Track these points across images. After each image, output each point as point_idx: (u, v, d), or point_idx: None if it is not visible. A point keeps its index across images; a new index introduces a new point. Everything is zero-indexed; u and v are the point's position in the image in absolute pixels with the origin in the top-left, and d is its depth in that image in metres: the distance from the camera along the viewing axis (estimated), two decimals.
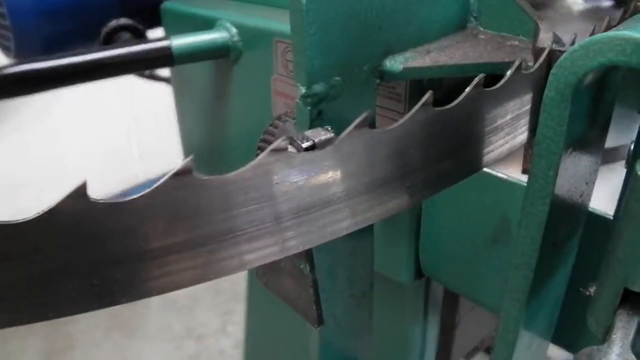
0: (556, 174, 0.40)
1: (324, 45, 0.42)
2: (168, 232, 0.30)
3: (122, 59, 0.72)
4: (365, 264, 0.53)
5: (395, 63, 0.47)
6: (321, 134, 0.34)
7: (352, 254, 0.51)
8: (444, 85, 0.57)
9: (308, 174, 0.33)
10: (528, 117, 0.44)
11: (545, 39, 0.45)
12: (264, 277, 0.51)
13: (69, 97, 2.33)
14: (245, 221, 0.32)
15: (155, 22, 0.90)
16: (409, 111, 0.46)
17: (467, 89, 0.37)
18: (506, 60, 0.49)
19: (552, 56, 0.43)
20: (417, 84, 0.56)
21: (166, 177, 0.28)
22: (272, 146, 0.31)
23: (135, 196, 0.28)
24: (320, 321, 0.47)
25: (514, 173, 0.53)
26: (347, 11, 0.42)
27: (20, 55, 0.87)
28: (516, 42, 0.52)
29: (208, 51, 0.75)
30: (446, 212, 0.61)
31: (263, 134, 0.56)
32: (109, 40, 0.84)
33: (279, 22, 0.69)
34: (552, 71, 0.38)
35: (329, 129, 0.35)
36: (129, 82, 0.88)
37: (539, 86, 0.42)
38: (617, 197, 0.47)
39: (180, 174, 0.29)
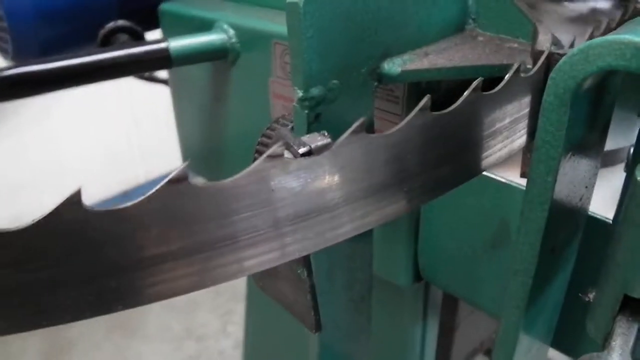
0: (555, 179, 0.39)
1: (321, 48, 0.41)
2: (163, 239, 0.30)
3: (119, 61, 0.72)
4: (363, 268, 0.52)
5: (393, 66, 0.47)
6: (318, 140, 0.34)
7: (350, 258, 0.51)
8: (443, 88, 0.56)
9: (305, 180, 0.33)
10: (527, 120, 0.43)
11: (544, 41, 0.45)
12: (261, 281, 0.51)
13: (68, 99, 2.33)
14: (242, 228, 0.32)
15: (153, 24, 0.90)
16: (407, 113, 0.46)
17: (466, 93, 0.37)
18: (505, 62, 0.48)
19: (551, 59, 0.42)
20: (415, 86, 0.56)
21: (161, 184, 0.28)
22: (268, 152, 0.31)
23: (129, 204, 0.28)
24: (318, 327, 0.47)
25: (513, 176, 0.53)
26: (344, 14, 0.42)
27: (18, 57, 0.87)
28: (515, 45, 0.52)
29: (206, 53, 0.75)
30: (445, 216, 0.60)
31: (261, 137, 0.55)
32: (107, 42, 0.84)
33: (277, 24, 0.68)
34: (551, 75, 0.37)
35: (326, 134, 0.35)
36: (129, 84, 0.88)
37: (537, 89, 0.42)
38: (616, 200, 0.46)
39: (175, 182, 0.28)
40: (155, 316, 2.36)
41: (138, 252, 0.29)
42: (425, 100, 0.35)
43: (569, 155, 0.40)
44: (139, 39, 0.85)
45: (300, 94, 0.42)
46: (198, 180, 0.29)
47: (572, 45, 0.44)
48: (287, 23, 0.41)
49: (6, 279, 0.27)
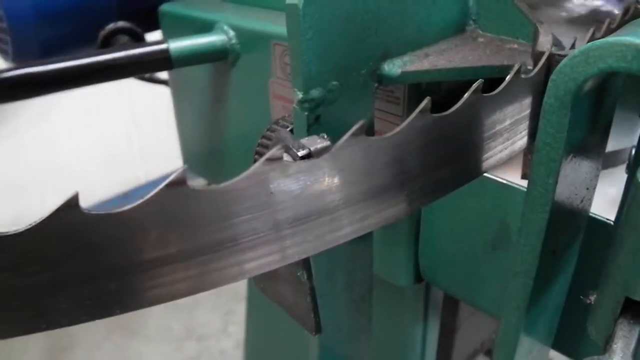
0: (556, 181, 0.39)
1: (321, 49, 0.41)
2: (162, 242, 0.29)
3: (120, 62, 0.71)
4: (364, 269, 0.52)
5: (393, 67, 0.47)
6: (317, 142, 0.33)
7: (351, 259, 0.51)
8: (443, 89, 0.56)
9: (304, 183, 0.33)
10: (527, 121, 0.43)
11: (544, 42, 0.45)
12: (261, 283, 0.50)
13: (68, 100, 2.33)
14: (241, 231, 0.31)
15: (153, 25, 0.90)
16: (408, 114, 0.45)
17: (466, 95, 0.37)
18: (505, 63, 0.48)
19: (552, 60, 0.42)
20: (415, 87, 0.56)
21: (159, 187, 0.28)
22: (267, 155, 0.31)
23: (127, 207, 0.28)
24: (318, 329, 0.47)
25: (514, 178, 0.53)
26: (343, 15, 0.42)
27: (18, 59, 0.87)
28: (515, 46, 0.51)
29: (206, 54, 0.75)
30: (445, 217, 0.60)
31: (261, 139, 0.55)
32: (107, 44, 0.84)
33: (277, 25, 0.68)
34: (551, 77, 0.37)
35: (325, 136, 0.35)
36: (129, 85, 0.88)
37: (538, 90, 0.42)
38: (617, 201, 0.46)
39: (173, 185, 0.28)
40: (155, 316, 2.36)
41: (136, 256, 0.29)
42: (426, 102, 0.35)
43: (570, 157, 0.40)
44: (139, 40, 0.85)
45: (300, 95, 0.42)
46: (196, 184, 0.29)
47: (573, 47, 0.44)
48: (287, 25, 0.40)
49: (4, 283, 0.27)
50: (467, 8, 0.54)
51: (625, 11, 0.50)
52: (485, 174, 0.53)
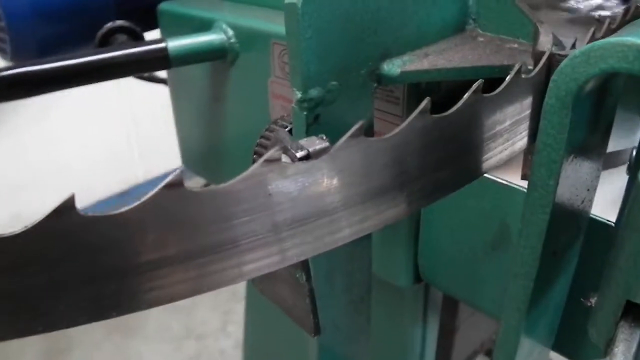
0: (557, 183, 0.39)
1: (320, 49, 0.41)
2: (159, 245, 0.29)
3: (118, 61, 0.71)
4: (363, 270, 0.52)
5: (392, 67, 0.47)
6: (316, 143, 0.33)
7: (349, 260, 0.51)
8: (443, 88, 0.56)
9: (303, 184, 0.32)
10: (528, 122, 0.43)
11: (545, 42, 0.44)
12: (260, 284, 0.50)
13: (67, 99, 2.33)
14: (239, 233, 0.31)
15: (152, 24, 0.89)
16: (407, 114, 0.45)
17: (466, 95, 0.37)
18: (505, 63, 0.48)
19: (552, 60, 0.42)
20: (415, 87, 0.55)
21: (156, 189, 0.28)
22: (265, 156, 0.31)
23: (124, 209, 0.27)
24: (317, 330, 0.46)
25: (514, 178, 0.53)
26: (343, 14, 0.42)
27: (17, 57, 0.87)
28: (515, 45, 0.51)
29: (205, 53, 0.74)
30: (445, 218, 0.60)
31: (260, 138, 0.55)
32: (105, 43, 0.83)
33: (276, 24, 0.68)
34: (552, 78, 0.37)
35: (324, 137, 0.34)
36: (128, 83, 0.88)
37: (538, 91, 0.42)
38: (618, 202, 0.46)
39: (170, 187, 0.28)
40: (155, 316, 2.36)
41: (134, 258, 0.29)
42: (425, 102, 0.35)
43: (570, 158, 0.40)
44: (138, 39, 0.85)
45: (298, 95, 0.41)
46: (195, 183, 0.29)
47: (573, 46, 0.44)
48: (286, 24, 0.40)
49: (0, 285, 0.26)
50: (466, 7, 0.54)
51: (626, 11, 0.49)
52: (485, 175, 0.53)
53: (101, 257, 0.28)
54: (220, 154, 0.89)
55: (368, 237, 0.50)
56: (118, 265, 0.29)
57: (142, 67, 0.74)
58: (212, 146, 0.90)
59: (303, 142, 0.34)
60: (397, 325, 0.84)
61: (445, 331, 0.89)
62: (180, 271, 0.30)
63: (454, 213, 0.59)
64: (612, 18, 0.46)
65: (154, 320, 2.35)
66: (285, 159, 0.33)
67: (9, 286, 0.26)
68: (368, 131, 0.48)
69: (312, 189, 0.33)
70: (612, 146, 0.51)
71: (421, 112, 0.35)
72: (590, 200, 0.48)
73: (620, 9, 0.62)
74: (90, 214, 0.27)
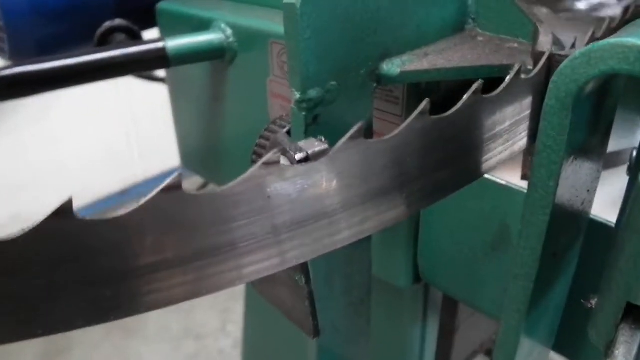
0: (557, 184, 0.39)
1: (319, 49, 0.41)
2: (157, 248, 0.29)
3: (116, 61, 0.71)
4: (362, 272, 0.52)
5: (392, 67, 0.47)
6: (315, 145, 0.33)
7: (349, 263, 0.51)
8: (442, 88, 0.56)
9: (302, 187, 0.32)
10: (527, 122, 0.43)
11: (545, 42, 0.44)
12: (259, 286, 0.50)
13: (66, 98, 2.33)
14: (237, 236, 0.31)
15: (150, 23, 0.89)
16: (407, 114, 0.45)
17: (465, 96, 0.37)
18: (505, 63, 0.48)
19: (552, 60, 0.42)
20: (414, 87, 0.55)
21: (154, 192, 0.28)
22: (263, 159, 0.30)
23: (122, 212, 0.27)
24: (316, 332, 0.46)
25: (513, 179, 0.52)
26: (342, 14, 0.42)
27: (15, 57, 0.86)
28: (515, 45, 0.51)
29: (203, 52, 0.74)
30: (444, 218, 0.60)
31: (259, 139, 0.55)
32: (104, 42, 0.83)
33: (274, 23, 0.68)
34: (552, 79, 0.37)
35: (323, 139, 0.34)
36: (127, 82, 0.88)
37: (538, 91, 0.41)
38: (617, 202, 0.46)
39: (168, 190, 0.28)
40: (154, 316, 2.35)
41: (132, 261, 0.29)
42: (425, 104, 0.35)
43: (570, 159, 0.40)
44: (136, 39, 0.85)
45: (297, 95, 0.41)
46: (193, 183, 0.29)
47: (573, 46, 0.43)
48: (284, 24, 0.40)
49: None
50: (466, 7, 0.53)
51: (626, 10, 0.49)
52: (484, 175, 0.53)
53: (99, 260, 0.28)
54: (219, 154, 0.89)
55: (368, 239, 0.50)
56: (116, 269, 0.28)
57: (141, 66, 0.74)
58: (211, 145, 0.90)
59: (302, 144, 0.33)
60: (396, 326, 0.83)
61: (445, 331, 0.88)
62: (179, 274, 0.30)
63: (453, 213, 0.59)
64: (612, 18, 0.46)
65: (153, 320, 2.35)
66: (284, 161, 0.32)
67: (7, 290, 0.26)
68: (367, 131, 0.47)
69: (311, 191, 0.33)
70: (612, 146, 0.50)
71: (421, 113, 0.35)
72: (590, 201, 0.48)
73: (619, 9, 0.62)
74: (88, 217, 0.27)
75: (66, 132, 2.83)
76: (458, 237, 0.60)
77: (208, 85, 0.84)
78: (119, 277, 0.29)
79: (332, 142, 0.34)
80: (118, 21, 0.83)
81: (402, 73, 0.47)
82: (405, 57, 0.48)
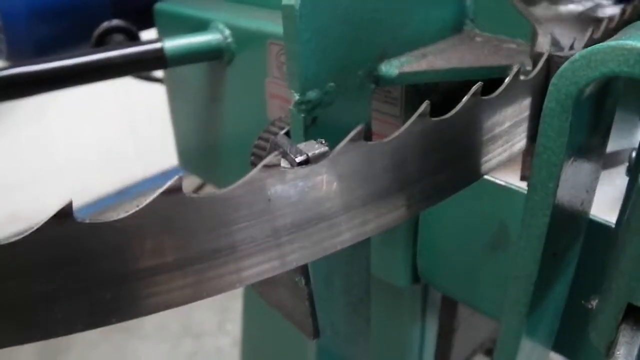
0: (557, 185, 0.39)
1: (318, 51, 0.41)
2: (158, 251, 0.29)
3: (114, 61, 0.71)
4: (361, 271, 0.52)
5: (390, 68, 0.47)
6: (315, 148, 0.33)
7: (348, 263, 0.51)
8: (441, 89, 0.56)
9: (302, 189, 0.32)
10: (527, 123, 0.43)
11: (543, 43, 0.44)
12: (259, 287, 0.50)
13: (64, 98, 2.32)
14: (238, 239, 0.31)
15: (148, 24, 0.89)
16: (405, 115, 0.45)
17: (465, 98, 0.37)
18: (503, 64, 0.48)
19: (551, 61, 0.42)
20: (413, 88, 0.55)
21: (155, 195, 0.27)
22: (264, 161, 0.30)
23: (123, 215, 0.27)
24: (316, 334, 0.46)
25: (513, 179, 0.53)
26: (341, 15, 0.41)
27: (12, 57, 0.86)
28: (513, 45, 0.51)
29: (201, 53, 0.74)
30: (444, 218, 0.60)
31: (257, 140, 0.55)
32: (101, 42, 0.83)
33: (273, 24, 0.68)
34: (552, 81, 0.37)
35: (323, 142, 0.34)
36: (125, 82, 0.88)
37: (537, 92, 0.41)
38: (616, 201, 0.46)
39: (169, 192, 0.28)
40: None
41: (132, 264, 0.29)
42: (425, 106, 0.35)
43: (570, 160, 0.40)
44: (134, 39, 0.85)
45: (296, 97, 0.41)
46: (190, 184, 0.29)
47: (572, 47, 0.43)
48: (283, 26, 0.40)
49: None
50: (464, 8, 0.53)
51: (624, 10, 0.49)
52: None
53: (99, 264, 0.28)
54: (217, 154, 0.89)
55: (367, 239, 0.50)
56: (116, 272, 0.28)
57: (139, 67, 0.74)
58: (209, 146, 0.90)
59: (302, 146, 0.33)
60: (395, 326, 0.83)
61: (444, 331, 0.88)
62: (179, 277, 0.30)
63: (452, 213, 0.59)
64: (610, 19, 0.46)
65: (152, 319, 2.34)
66: (284, 163, 0.32)
67: (6, 294, 0.26)
68: (366, 133, 0.47)
69: (311, 194, 0.33)
70: (611, 147, 0.50)
71: (420, 116, 0.35)
72: (590, 202, 0.48)
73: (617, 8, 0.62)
74: (87, 220, 0.27)
75: (63, 132, 2.83)
76: (457, 237, 0.60)
77: (206, 85, 0.84)
78: (119, 280, 0.29)
79: (331, 144, 0.34)
80: (116, 22, 0.83)
81: (401, 74, 0.47)
82: (403, 58, 0.48)
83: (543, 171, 0.39)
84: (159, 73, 1.00)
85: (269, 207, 0.31)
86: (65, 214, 0.25)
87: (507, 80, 0.38)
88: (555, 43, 0.45)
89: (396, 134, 0.35)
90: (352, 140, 0.33)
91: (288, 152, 0.33)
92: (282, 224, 0.32)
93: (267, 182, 0.31)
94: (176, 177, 0.28)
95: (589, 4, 0.64)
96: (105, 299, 0.29)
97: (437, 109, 0.36)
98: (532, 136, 0.43)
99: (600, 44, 0.34)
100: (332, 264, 0.49)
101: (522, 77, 0.40)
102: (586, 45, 0.41)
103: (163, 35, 0.75)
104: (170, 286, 0.30)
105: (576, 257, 0.50)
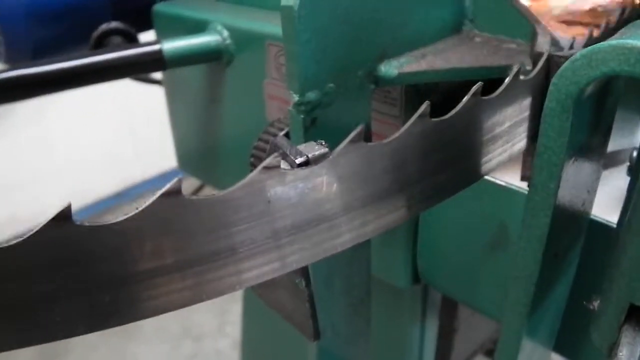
0: (558, 186, 0.39)
1: (317, 51, 0.41)
2: (157, 253, 0.29)
3: (113, 63, 0.71)
4: (361, 272, 0.52)
5: (390, 68, 0.47)
6: (315, 149, 0.33)
7: (348, 264, 0.51)
8: (441, 89, 0.56)
9: (302, 191, 0.32)
10: (527, 123, 0.43)
11: (543, 43, 0.44)
12: (259, 289, 0.50)
13: (63, 99, 2.32)
14: (237, 241, 0.31)
15: (146, 25, 0.89)
16: (405, 116, 0.45)
17: (465, 99, 0.36)
18: (503, 64, 0.48)
19: (551, 61, 0.42)
20: (413, 88, 0.55)
21: (154, 197, 0.27)
22: (263, 163, 0.30)
23: (121, 218, 0.27)
24: (317, 335, 0.46)
25: (513, 179, 0.52)
26: (340, 15, 0.41)
27: (11, 60, 0.86)
28: (513, 45, 0.51)
29: (200, 55, 0.74)
30: (444, 219, 0.60)
31: (257, 141, 0.54)
32: (100, 45, 0.83)
33: (271, 25, 0.67)
34: (552, 81, 0.37)
35: (323, 143, 0.34)
36: (125, 83, 0.88)
37: (537, 92, 0.41)
38: (617, 202, 0.46)
39: (168, 195, 0.28)
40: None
41: (131, 267, 0.28)
42: (424, 107, 0.35)
43: (571, 160, 0.40)
44: (133, 41, 0.84)
45: (296, 98, 0.41)
46: (189, 186, 0.28)
47: (571, 47, 0.43)
48: (282, 27, 0.40)
49: None
50: (463, 8, 0.53)
51: (624, 10, 0.49)
52: None
53: (99, 266, 0.28)
54: (216, 156, 0.89)
55: (367, 240, 0.49)
56: (116, 274, 0.28)
57: (137, 69, 0.74)
58: (208, 147, 0.90)
59: (302, 147, 0.33)
60: (396, 326, 0.83)
61: (444, 332, 0.88)
62: (178, 280, 0.30)
63: (452, 214, 0.59)
64: (610, 18, 0.46)
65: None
66: (284, 165, 0.32)
67: (5, 297, 0.26)
68: (366, 133, 0.47)
69: (312, 195, 0.32)
70: (611, 146, 0.50)
71: (420, 117, 0.35)
72: (591, 202, 0.48)
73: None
74: (86, 223, 0.26)
75: (63, 133, 2.82)
76: (457, 238, 0.60)
77: (205, 87, 0.84)
78: (118, 282, 0.28)
79: (330, 145, 0.34)
80: (114, 24, 0.83)
81: (400, 74, 0.46)
82: (403, 59, 0.48)
83: (544, 171, 0.39)
84: (157, 75, 1.00)
85: (268, 208, 0.31)
86: (64, 216, 0.25)
87: (507, 80, 0.38)
88: (555, 43, 0.45)
89: (396, 134, 0.34)
90: (352, 141, 0.33)
91: (288, 153, 0.33)
92: (282, 225, 0.32)
93: (266, 183, 0.31)
94: (175, 179, 0.28)
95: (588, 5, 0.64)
96: (105, 301, 0.28)
97: (437, 109, 0.36)
98: (533, 136, 0.43)
99: (601, 43, 0.34)
100: (332, 265, 0.49)
101: (522, 77, 0.39)
102: (585, 45, 0.41)
103: (162, 36, 0.75)
104: (170, 289, 0.30)
105: (577, 257, 0.49)
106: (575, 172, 0.41)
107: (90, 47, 0.83)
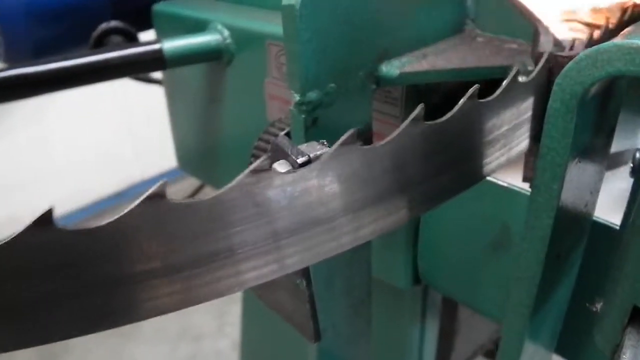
0: (561, 187, 0.38)
1: (318, 51, 0.40)
2: (143, 257, 0.28)
3: (113, 63, 0.70)
4: (362, 272, 0.52)
5: (391, 68, 0.46)
6: (316, 149, 0.33)
7: (349, 264, 0.50)
8: (442, 89, 0.55)
9: (298, 192, 0.32)
10: (528, 125, 0.42)
11: (545, 43, 0.44)
12: (258, 290, 0.49)
13: (62, 99, 2.32)
14: (232, 244, 0.30)
15: (146, 25, 0.89)
16: (405, 116, 0.44)
17: (461, 102, 0.36)
18: (504, 64, 0.47)
19: (553, 61, 0.41)
20: (413, 88, 0.55)
21: (137, 201, 0.27)
22: (252, 166, 0.30)
23: (105, 222, 0.27)
24: (317, 336, 0.46)
25: (515, 180, 0.52)
26: (341, 15, 0.41)
27: (10, 59, 0.86)
28: (515, 45, 0.51)
29: (200, 54, 0.74)
30: (444, 219, 0.60)
31: (257, 141, 0.54)
32: (100, 44, 0.83)
33: (272, 24, 0.67)
34: (556, 81, 0.36)
35: (325, 143, 0.34)
36: (124, 83, 0.88)
37: (540, 92, 0.41)
38: (620, 203, 0.45)
39: (151, 199, 0.27)
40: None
41: (125, 269, 0.28)
42: (419, 110, 0.34)
43: (575, 161, 0.39)
44: (133, 40, 0.84)
45: (297, 98, 0.41)
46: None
47: (572, 47, 0.43)
48: (283, 26, 0.40)
49: None
50: (465, 8, 0.53)
51: (624, 11, 0.49)
52: None
53: (84, 271, 0.27)
54: (216, 156, 0.88)
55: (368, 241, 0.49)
56: (107, 276, 0.28)
57: (137, 68, 0.73)
58: (208, 147, 0.90)
59: (304, 147, 0.33)
60: (396, 327, 0.83)
61: (444, 333, 0.88)
62: (166, 284, 0.30)
63: (453, 214, 0.58)
64: (610, 19, 0.46)
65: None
66: (286, 165, 0.32)
67: None
68: (367, 133, 0.47)
69: (306, 198, 0.32)
70: (614, 147, 0.50)
71: (414, 120, 0.34)
72: (594, 203, 0.47)
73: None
74: (68, 227, 0.26)
75: (62, 133, 2.82)
76: (458, 239, 0.59)
77: (205, 86, 0.84)
78: (111, 284, 0.28)
79: (331, 145, 0.33)
80: (114, 23, 0.83)
81: (401, 74, 0.46)
82: (404, 59, 0.47)
83: (547, 172, 0.39)
84: (157, 74, 1.00)
85: (262, 210, 0.31)
86: (44, 221, 0.25)
87: (504, 82, 0.38)
88: (557, 43, 0.45)
89: (390, 137, 0.34)
90: (344, 144, 0.32)
91: (289, 153, 0.32)
92: (281, 226, 0.32)
93: (256, 186, 0.30)
94: (160, 183, 0.27)
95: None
96: (97, 304, 0.28)
97: (438, 110, 0.36)
98: (535, 137, 0.42)
99: (606, 43, 0.33)
100: (333, 266, 0.49)
101: (523, 78, 0.39)
102: (586, 46, 0.41)
103: (162, 36, 0.75)
104: (159, 292, 0.30)
105: (580, 258, 0.49)
106: (578, 173, 0.41)
107: (90, 47, 0.83)
